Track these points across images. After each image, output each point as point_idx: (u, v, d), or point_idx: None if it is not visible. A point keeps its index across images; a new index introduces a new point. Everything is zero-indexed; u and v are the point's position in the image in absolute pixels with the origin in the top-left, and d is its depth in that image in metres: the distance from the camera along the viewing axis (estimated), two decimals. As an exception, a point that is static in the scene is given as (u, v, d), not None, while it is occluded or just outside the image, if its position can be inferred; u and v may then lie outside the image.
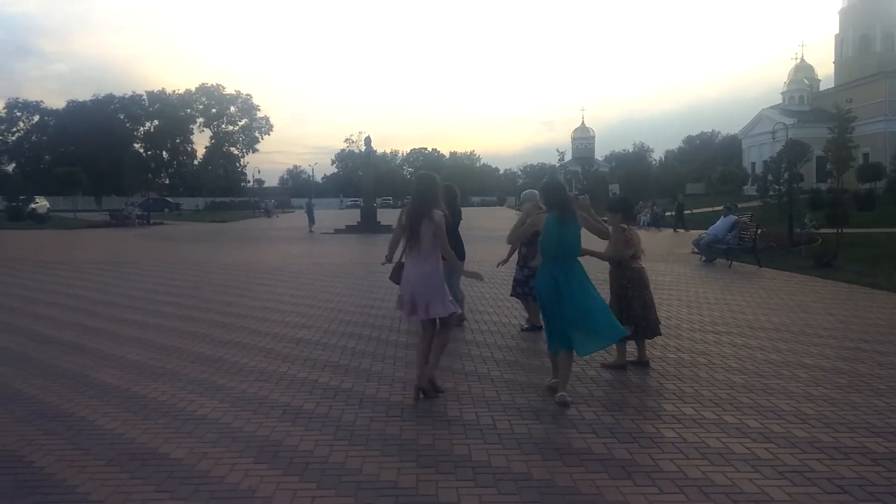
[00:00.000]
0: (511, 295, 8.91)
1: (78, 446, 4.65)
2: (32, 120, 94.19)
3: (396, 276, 5.85)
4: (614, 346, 6.53)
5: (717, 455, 4.43)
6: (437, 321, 5.72)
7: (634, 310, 6.68)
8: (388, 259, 6.01)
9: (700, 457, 4.41)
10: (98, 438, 4.79)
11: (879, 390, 5.86)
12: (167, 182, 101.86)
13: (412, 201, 5.74)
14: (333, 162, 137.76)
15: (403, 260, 5.79)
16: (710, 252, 17.18)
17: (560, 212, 5.74)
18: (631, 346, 6.85)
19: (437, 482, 4.04)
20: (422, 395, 5.66)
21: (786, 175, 25.10)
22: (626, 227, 6.89)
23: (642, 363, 6.74)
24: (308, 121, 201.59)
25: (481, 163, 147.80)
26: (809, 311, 9.80)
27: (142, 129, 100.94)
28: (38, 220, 42.55)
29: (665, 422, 5.09)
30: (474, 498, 3.83)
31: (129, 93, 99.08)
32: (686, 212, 34.87)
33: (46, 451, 4.55)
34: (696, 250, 18.38)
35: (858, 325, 8.81)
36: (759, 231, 17.09)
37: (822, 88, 74.93)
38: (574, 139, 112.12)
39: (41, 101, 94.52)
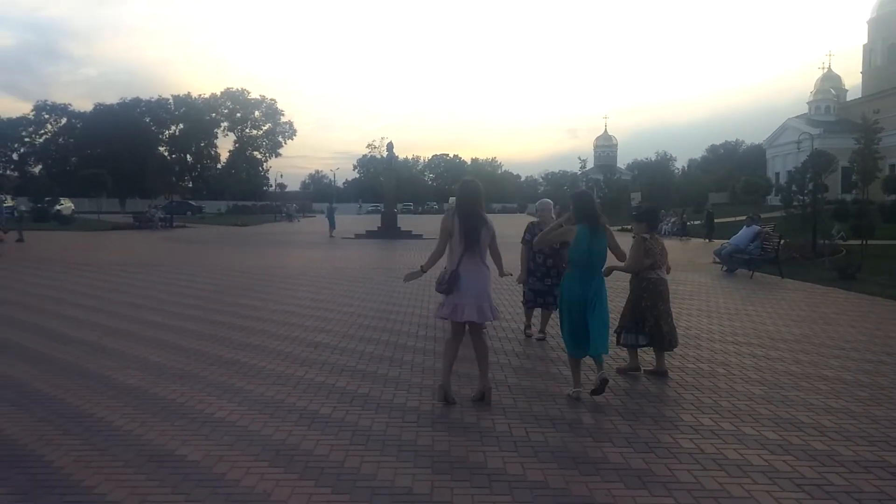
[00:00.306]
0: (527, 304, 8.60)
1: (96, 447, 4.70)
2: (60, 122, 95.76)
3: (452, 286, 5.57)
4: (626, 350, 6.90)
5: (735, 466, 4.39)
6: (467, 326, 5.74)
7: (647, 320, 6.68)
8: (424, 270, 5.90)
9: (717, 468, 4.37)
10: (116, 439, 4.85)
11: (902, 405, 5.77)
12: (190, 185, 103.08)
13: (466, 208, 5.68)
14: (355, 167, 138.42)
15: (456, 268, 5.60)
16: (732, 262, 17.02)
17: (591, 224, 5.91)
18: (650, 356, 6.81)
19: (452, 489, 4.04)
20: (448, 401, 5.70)
21: (810, 185, 24.80)
22: (647, 236, 6.86)
23: (660, 373, 6.70)
24: (331, 126, 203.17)
25: (503, 169, 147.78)
26: (832, 324, 9.67)
27: (167, 132, 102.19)
28: (63, 222, 43.20)
29: (682, 432, 5.05)
30: (488, 505, 3.82)
31: (156, 96, 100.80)
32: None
33: (64, 452, 4.61)
34: (717, 260, 18.21)
35: (881, 337, 8.68)
36: (781, 241, 16.90)
37: (849, 99, 73.99)
38: (596, 147, 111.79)
39: (69, 104, 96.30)
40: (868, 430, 5.10)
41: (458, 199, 5.78)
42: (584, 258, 5.88)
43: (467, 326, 5.79)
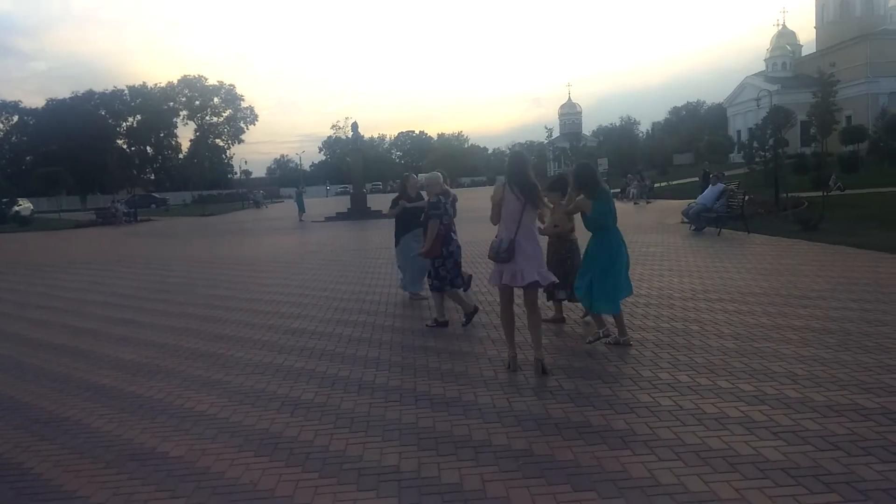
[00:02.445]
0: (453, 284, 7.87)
1: (74, 450, 4.64)
2: (11, 120, 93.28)
3: (511, 254, 5.71)
4: (552, 303, 7.77)
5: (713, 420, 4.48)
6: (525, 291, 5.89)
7: (570, 276, 7.16)
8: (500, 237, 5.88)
9: (696, 422, 4.46)
10: (95, 441, 4.79)
11: (868, 347, 5.93)
12: (153, 177, 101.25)
13: (520, 178, 5.79)
14: (321, 149, 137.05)
15: (514, 236, 5.73)
16: (700, 221, 17.25)
17: (595, 190, 6.49)
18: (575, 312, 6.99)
19: (438, 464, 4.07)
20: (516, 367, 5.91)
21: (770, 141, 25.17)
22: (564, 202, 7.34)
23: (559, 320, 7.57)
24: (293, 109, 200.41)
25: (469, 143, 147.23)
26: (798, 275, 9.88)
27: (124, 124, 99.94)
28: (22, 223, 42.16)
29: (661, 390, 5.14)
30: (476, 477, 3.86)
31: (110, 88, 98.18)
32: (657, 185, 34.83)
33: (43, 457, 4.54)
34: (685, 220, 18.45)
35: (845, 285, 8.89)
36: (746, 198, 17.17)
37: (804, 54, 74.96)
38: (561, 115, 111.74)
39: (19, 101, 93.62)
40: (838, 375, 5.23)
41: (511, 170, 5.94)
42: (608, 219, 6.48)
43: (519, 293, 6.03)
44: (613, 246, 6.53)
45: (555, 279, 6.10)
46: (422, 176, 8.31)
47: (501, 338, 7.10)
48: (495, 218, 5.93)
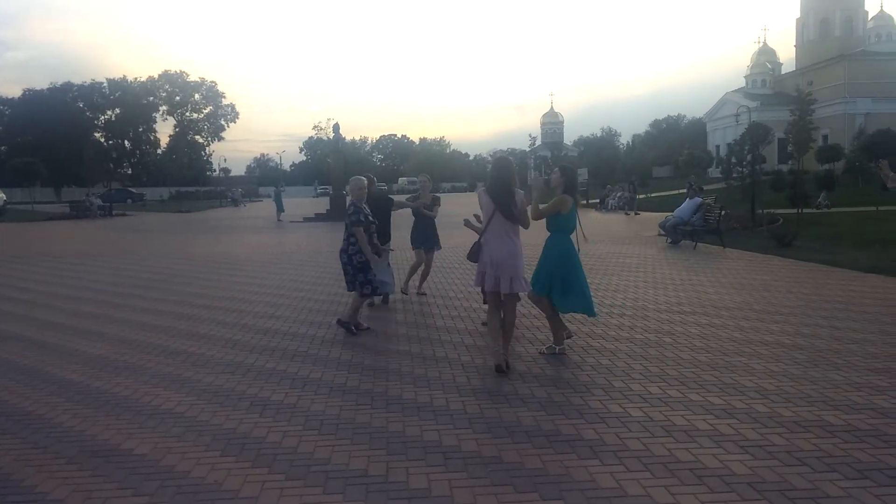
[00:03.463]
0: (374, 291, 7.84)
1: (36, 445, 4.55)
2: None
3: (475, 255, 6.24)
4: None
5: (682, 432, 4.50)
6: (503, 296, 6.08)
7: None
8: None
9: (666, 434, 4.47)
10: (58, 436, 4.70)
11: (837, 365, 6.00)
12: (130, 172, 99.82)
13: (498, 185, 6.04)
14: (302, 150, 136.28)
15: (482, 240, 6.17)
16: (676, 234, 17.40)
17: (574, 193, 6.69)
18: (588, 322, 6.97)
19: (407, 468, 4.04)
20: (506, 368, 5.98)
21: (748, 157, 25.48)
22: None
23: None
24: (275, 108, 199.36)
25: (451, 149, 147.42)
26: (771, 290, 9.98)
27: (102, 117, 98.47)
28: (-5, 214, 41.46)
29: (632, 401, 5.15)
30: (444, 483, 3.84)
31: (89, 81, 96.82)
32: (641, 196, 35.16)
33: (3, 451, 4.44)
34: (662, 232, 18.60)
35: (817, 302, 9.00)
36: (722, 213, 17.35)
37: (784, 72, 76.10)
38: (543, 124, 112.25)
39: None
40: (807, 392, 5.29)
41: (490, 175, 6.22)
42: (572, 225, 6.63)
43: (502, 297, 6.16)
44: (571, 248, 6.63)
45: (524, 289, 6.20)
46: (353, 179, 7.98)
47: (475, 344, 7.11)
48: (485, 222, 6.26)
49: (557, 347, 6.59)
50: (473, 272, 6.35)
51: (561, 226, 6.60)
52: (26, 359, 6.84)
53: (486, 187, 6.22)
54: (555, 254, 6.56)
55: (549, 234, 6.68)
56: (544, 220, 6.59)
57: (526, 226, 6.15)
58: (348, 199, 7.99)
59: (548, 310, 6.62)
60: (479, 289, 6.57)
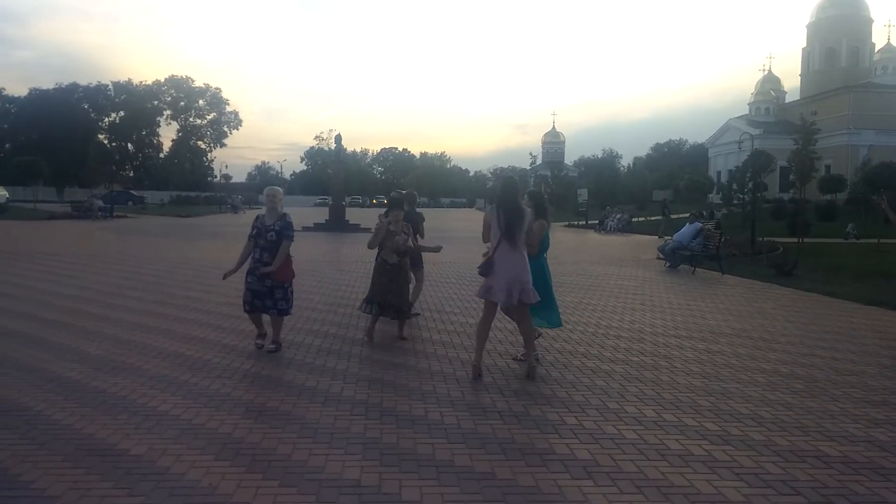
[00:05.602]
0: (245, 306, 7.38)
1: (33, 441, 4.55)
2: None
3: (488, 270, 6.34)
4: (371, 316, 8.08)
5: (677, 457, 4.50)
6: (517, 306, 6.38)
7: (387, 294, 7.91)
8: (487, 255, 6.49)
9: (660, 458, 4.48)
10: (55, 434, 4.70)
11: (834, 395, 6.02)
12: (132, 175, 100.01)
13: (506, 202, 6.33)
14: (303, 159, 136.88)
15: (493, 255, 6.34)
16: (675, 258, 17.44)
17: (545, 214, 7.16)
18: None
19: (400, 481, 4.04)
20: (480, 375, 6.34)
21: (750, 184, 25.57)
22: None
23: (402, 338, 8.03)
24: (278, 117, 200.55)
25: (451, 164, 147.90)
26: (769, 318, 10.00)
27: (107, 119, 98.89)
28: (-3, 210, 41.45)
29: (626, 423, 5.16)
30: (437, 497, 3.84)
31: (94, 82, 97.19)
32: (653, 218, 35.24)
33: (1, 447, 4.44)
34: (661, 256, 18.64)
35: (816, 332, 9.02)
36: (722, 239, 17.40)
37: (788, 100, 76.53)
38: (545, 143, 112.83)
39: (2, 89, 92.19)
40: (803, 421, 5.29)
41: (500, 195, 6.45)
42: (546, 244, 7.15)
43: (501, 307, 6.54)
44: (546, 266, 7.22)
45: (535, 299, 6.40)
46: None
47: (471, 359, 7.09)
48: (485, 237, 6.53)
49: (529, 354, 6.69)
50: (472, 287, 6.42)
51: (545, 245, 7.20)
52: (24, 356, 6.84)
53: (494, 208, 6.43)
54: (532, 269, 6.65)
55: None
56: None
57: (533, 251, 6.59)
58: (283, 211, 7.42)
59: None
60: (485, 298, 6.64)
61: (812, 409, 5.61)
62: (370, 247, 8.16)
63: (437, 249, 8.63)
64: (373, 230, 8.28)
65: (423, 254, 9.91)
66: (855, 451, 4.68)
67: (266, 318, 7.41)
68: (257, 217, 7.43)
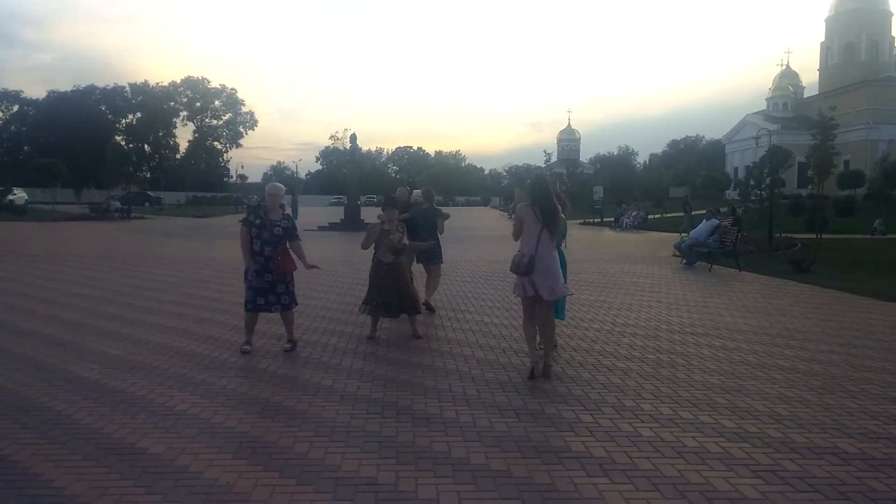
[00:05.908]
0: (247, 305, 7.33)
1: (54, 440, 4.62)
2: (12, 110, 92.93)
3: (530, 268, 6.21)
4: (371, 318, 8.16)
5: (693, 454, 4.49)
6: (544, 302, 6.36)
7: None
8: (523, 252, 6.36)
9: (676, 455, 4.46)
10: (75, 433, 4.76)
11: (852, 392, 5.97)
12: (148, 175, 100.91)
13: (541, 200, 6.32)
14: (318, 159, 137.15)
15: (535, 251, 6.25)
16: (691, 255, 17.33)
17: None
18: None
19: (416, 479, 4.06)
20: (547, 374, 6.33)
21: (767, 180, 25.37)
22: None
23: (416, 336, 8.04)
24: (293, 117, 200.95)
25: (466, 162, 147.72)
26: (787, 315, 9.93)
27: (124, 121, 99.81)
28: (16, 212, 41.82)
29: (642, 421, 5.15)
30: (453, 494, 3.85)
31: (112, 84, 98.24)
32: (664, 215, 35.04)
33: (22, 446, 4.51)
34: (677, 253, 18.53)
35: (834, 328, 8.94)
36: (739, 235, 17.27)
37: (806, 95, 75.68)
38: (560, 141, 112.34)
39: (21, 91, 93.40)
40: (821, 418, 5.26)
41: (534, 191, 6.41)
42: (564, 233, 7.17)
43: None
44: (563, 256, 7.21)
45: (567, 292, 6.63)
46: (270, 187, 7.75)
47: (486, 357, 7.12)
48: (516, 234, 6.50)
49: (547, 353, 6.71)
50: (487, 285, 6.38)
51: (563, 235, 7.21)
52: (45, 356, 6.93)
53: (529, 204, 6.40)
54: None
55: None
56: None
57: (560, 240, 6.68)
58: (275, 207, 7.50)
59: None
60: (517, 297, 6.70)
61: (830, 406, 5.56)
62: (363, 247, 8.17)
63: (429, 246, 8.92)
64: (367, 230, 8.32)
65: (442, 251, 9.98)
66: (874, 447, 4.65)
67: (277, 317, 7.48)
68: (259, 208, 7.50)
